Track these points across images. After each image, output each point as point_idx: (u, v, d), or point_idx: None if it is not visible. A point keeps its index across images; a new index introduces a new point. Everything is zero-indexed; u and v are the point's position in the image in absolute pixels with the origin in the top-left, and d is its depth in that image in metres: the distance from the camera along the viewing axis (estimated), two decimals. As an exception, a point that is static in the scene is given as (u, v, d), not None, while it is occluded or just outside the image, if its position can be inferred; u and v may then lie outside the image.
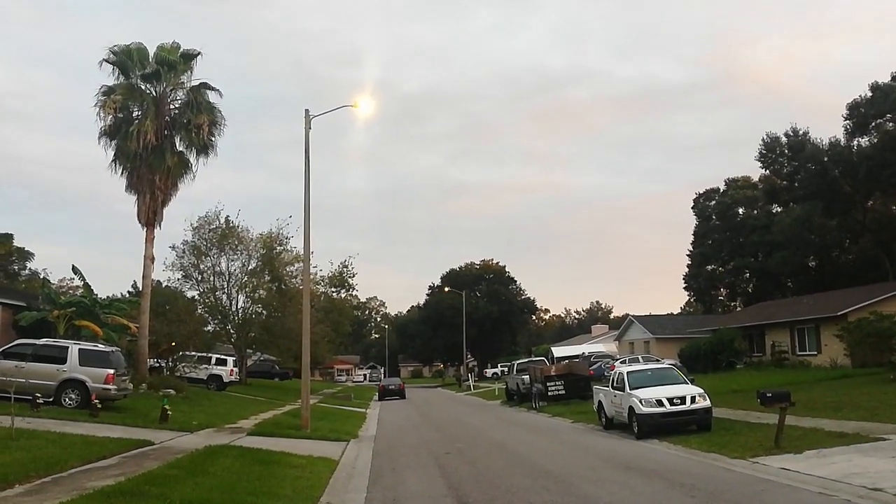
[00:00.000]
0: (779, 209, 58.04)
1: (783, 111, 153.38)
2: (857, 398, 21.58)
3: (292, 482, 12.63)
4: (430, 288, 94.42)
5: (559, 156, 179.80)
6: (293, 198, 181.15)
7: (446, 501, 11.24)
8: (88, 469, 12.10)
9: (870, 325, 31.15)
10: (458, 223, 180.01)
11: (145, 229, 31.28)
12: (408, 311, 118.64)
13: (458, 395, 56.92)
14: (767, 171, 53.86)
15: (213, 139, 31.92)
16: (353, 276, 57.18)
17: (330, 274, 55.80)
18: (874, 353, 30.97)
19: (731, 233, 65.52)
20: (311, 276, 42.94)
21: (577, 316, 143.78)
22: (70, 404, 19.95)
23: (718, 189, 69.07)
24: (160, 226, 31.80)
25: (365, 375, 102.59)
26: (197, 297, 46.05)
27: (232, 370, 40.13)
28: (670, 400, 18.29)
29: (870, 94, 43.40)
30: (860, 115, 43.77)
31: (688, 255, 69.63)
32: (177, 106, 32.14)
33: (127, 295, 52.54)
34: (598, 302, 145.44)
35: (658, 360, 36.51)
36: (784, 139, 49.32)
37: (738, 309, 64.55)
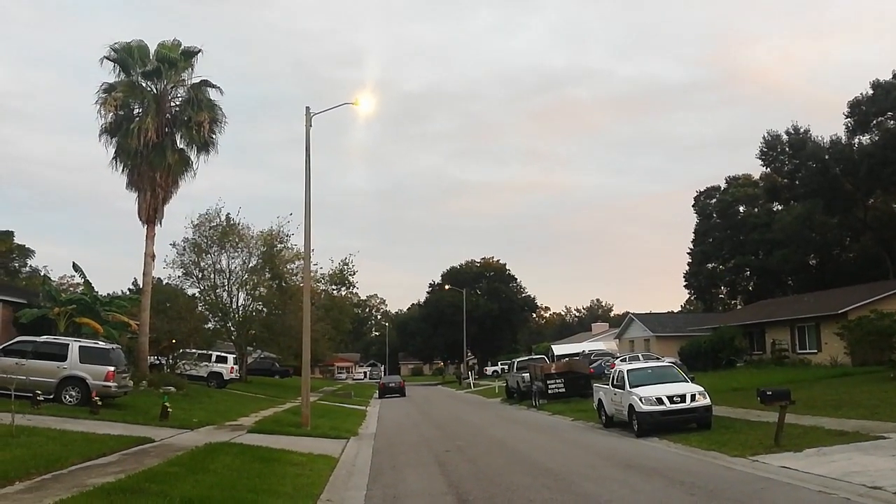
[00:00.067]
0: (780, 207, 58.08)
1: (783, 110, 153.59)
2: (858, 396, 21.59)
3: (292, 480, 12.64)
4: (431, 286, 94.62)
5: (559, 155, 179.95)
6: (294, 196, 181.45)
7: (446, 499, 11.24)
8: (89, 466, 12.11)
9: (870, 324, 31.16)
10: (458, 222, 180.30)
11: (146, 227, 31.32)
12: (408, 308, 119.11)
13: (458, 392, 56.92)
14: (768, 169, 53.88)
15: (213, 136, 32.01)
16: (354, 273, 57.10)
17: (330, 271, 55.70)
18: (874, 351, 31.00)
19: (731, 231, 65.44)
20: (312, 274, 42.99)
21: (577, 314, 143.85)
22: (70, 401, 19.99)
23: (719, 187, 68.99)
24: (161, 223, 31.89)
25: (365, 373, 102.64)
26: (197, 294, 46.04)
27: (232, 368, 40.21)
28: (670, 398, 18.29)
29: (871, 91, 43.36)
30: (861, 112, 43.72)
31: (688, 254, 69.58)
32: (177, 103, 32.16)
33: (127, 292, 52.59)
34: (598, 300, 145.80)
35: (658, 359, 36.50)
36: (785, 137, 49.35)
37: (739, 307, 64.51)
